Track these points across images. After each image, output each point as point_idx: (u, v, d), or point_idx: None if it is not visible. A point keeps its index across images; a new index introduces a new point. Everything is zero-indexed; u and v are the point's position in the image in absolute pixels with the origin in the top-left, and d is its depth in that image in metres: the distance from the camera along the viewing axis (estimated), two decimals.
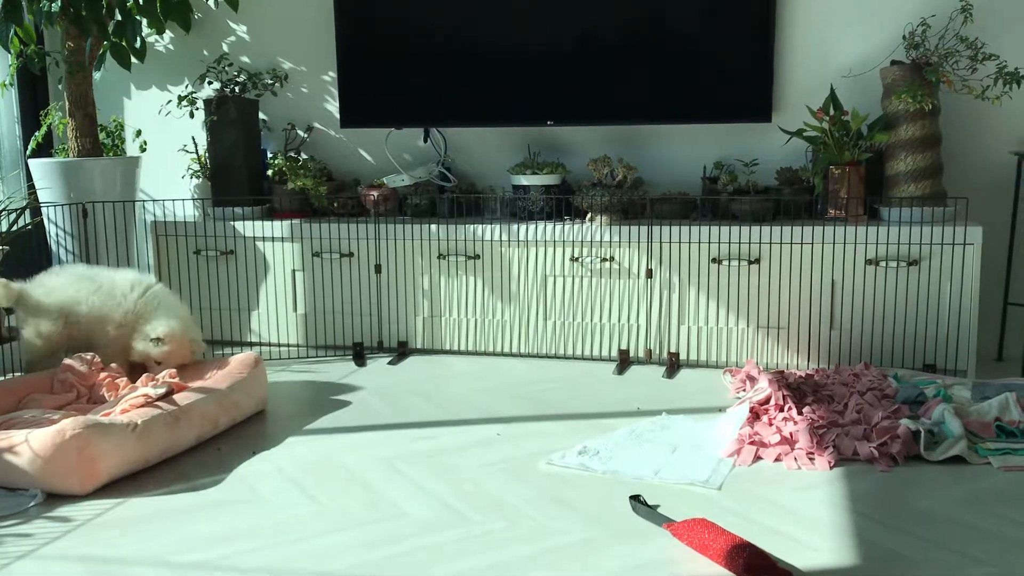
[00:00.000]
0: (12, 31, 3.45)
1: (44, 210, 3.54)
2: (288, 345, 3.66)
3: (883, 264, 3.11)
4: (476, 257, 3.45)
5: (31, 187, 3.70)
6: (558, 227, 3.36)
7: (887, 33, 3.40)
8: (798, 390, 2.78)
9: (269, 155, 3.90)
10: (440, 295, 3.50)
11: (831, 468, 2.32)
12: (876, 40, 3.42)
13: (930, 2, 3.33)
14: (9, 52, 3.56)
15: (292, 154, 3.90)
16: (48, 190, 3.52)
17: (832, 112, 3.22)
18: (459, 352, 3.52)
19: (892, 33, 3.38)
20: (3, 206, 3.39)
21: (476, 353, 3.50)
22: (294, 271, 3.62)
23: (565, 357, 3.42)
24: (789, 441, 2.43)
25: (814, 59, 3.49)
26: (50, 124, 3.82)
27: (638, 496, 2.11)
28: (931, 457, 2.34)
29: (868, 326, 3.15)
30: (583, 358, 3.40)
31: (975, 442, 2.42)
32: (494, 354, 3.49)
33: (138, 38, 3.58)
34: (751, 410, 2.60)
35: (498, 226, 3.41)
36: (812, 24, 3.48)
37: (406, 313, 3.54)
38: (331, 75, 3.93)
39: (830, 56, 3.47)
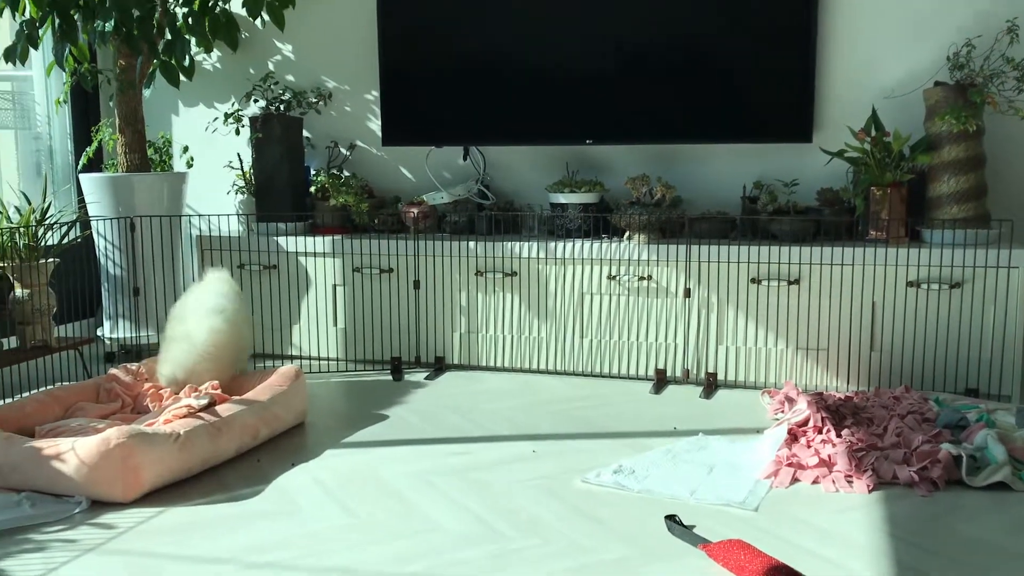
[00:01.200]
0: (68, 50, 3.55)
1: (93, 224, 3.63)
2: (328, 358, 3.71)
3: (925, 286, 3.07)
4: (513, 274, 3.47)
5: (81, 201, 3.79)
6: (595, 245, 3.37)
7: (931, 54, 3.37)
8: (837, 412, 2.75)
9: (312, 172, 3.96)
10: (477, 311, 3.52)
11: (870, 491, 2.29)
12: (919, 61, 3.39)
13: (976, 22, 3.30)
14: (64, 70, 3.67)
15: (335, 171, 3.96)
16: (97, 204, 3.60)
17: (874, 133, 3.20)
18: (495, 368, 3.53)
19: (936, 54, 3.36)
20: (54, 219, 3.48)
21: (512, 370, 3.52)
22: (335, 286, 3.66)
23: (601, 375, 3.42)
24: (827, 463, 2.40)
25: (856, 79, 3.47)
26: (101, 140, 3.92)
27: (674, 516, 2.10)
28: (973, 483, 2.31)
29: (909, 349, 3.11)
30: (620, 377, 3.40)
31: (1019, 469, 2.38)
32: (530, 371, 3.50)
33: (187, 57, 3.67)
34: (789, 431, 2.58)
35: (536, 243, 3.43)
36: (854, 44, 3.46)
37: (443, 329, 3.57)
38: (374, 94, 3.99)
39: (872, 77, 3.45)
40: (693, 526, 2.07)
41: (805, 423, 2.63)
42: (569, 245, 3.40)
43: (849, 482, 2.33)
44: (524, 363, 3.50)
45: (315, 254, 3.66)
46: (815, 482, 2.35)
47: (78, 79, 3.69)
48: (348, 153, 4.06)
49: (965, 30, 3.31)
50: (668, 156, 3.70)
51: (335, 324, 3.68)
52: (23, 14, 3.42)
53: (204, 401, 2.56)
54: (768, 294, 3.21)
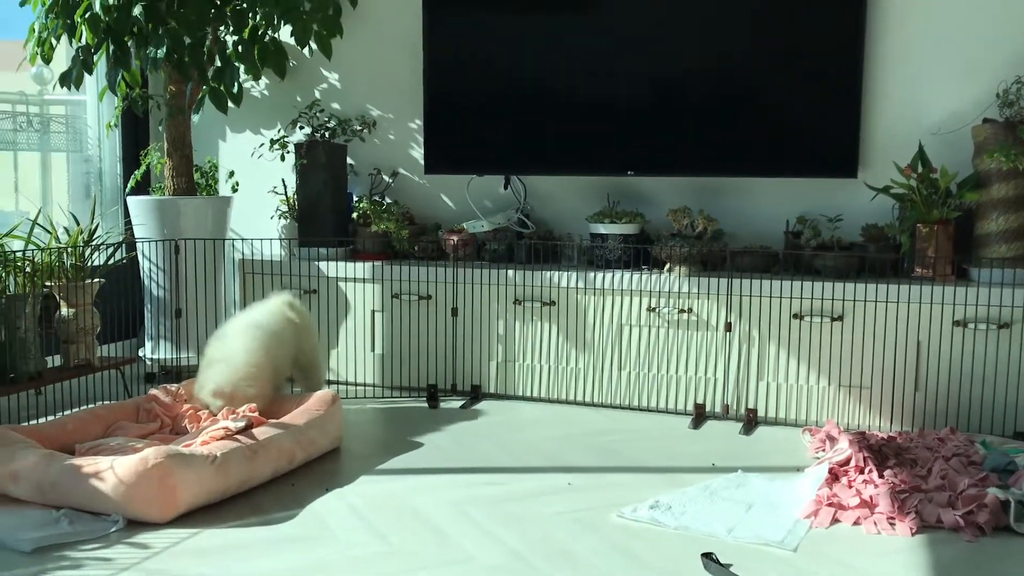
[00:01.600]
0: (120, 76, 3.63)
1: (139, 245, 3.69)
2: (365, 384, 3.71)
3: (972, 326, 3.01)
4: (552, 304, 3.46)
5: (128, 223, 3.86)
6: (635, 276, 3.35)
7: (979, 91, 3.33)
8: (879, 452, 2.69)
9: (355, 198, 4.00)
10: (515, 340, 3.52)
11: (913, 535, 2.24)
12: (968, 97, 3.35)
13: None
14: (116, 95, 3.75)
15: (377, 198, 3.99)
16: (143, 226, 3.66)
17: (920, 169, 3.16)
18: (532, 398, 3.52)
19: (985, 90, 3.31)
20: (101, 240, 3.54)
21: (549, 400, 3.50)
22: (374, 312, 3.68)
23: (639, 409, 3.39)
24: (869, 504, 2.35)
25: (903, 115, 3.44)
26: (149, 163, 3.99)
27: (711, 554, 2.06)
28: (1021, 529, 2.24)
29: (955, 389, 3.05)
30: (658, 411, 3.37)
31: None
32: (567, 402, 3.47)
33: (235, 83, 3.73)
34: (830, 471, 2.53)
35: (575, 273, 3.42)
36: (902, 80, 3.43)
37: (480, 357, 3.56)
38: (417, 123, 4.03)
39: (919, 113, 3.42)
40: (730, 565, 2.03)
41: (847, 462, 2.57)
42: (608, 276, 3.38)
43: (891, 524, 2.27)
44: (561, 394, 3.48)
45: (355, 279, 3.69)
46: (856, 523, 2.30)
47: (129, 104, 3.77)
48: (391, 180, 4.09)
49: (1014, 67, 3.27)
50: (710, 189, 3.68)
51: (373, 350, 3.70)
52: (80, 40, 3.51)
53: (241, 424, 2.57)
54: (811, 330, 3.17)
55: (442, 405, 3.46)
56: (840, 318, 3.13)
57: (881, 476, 2.48)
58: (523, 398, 3.53)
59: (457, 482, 2.59)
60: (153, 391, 2.96)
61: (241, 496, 2.45)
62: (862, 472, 2.52)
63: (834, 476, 2.52)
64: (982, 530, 2.24)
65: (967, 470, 2.55)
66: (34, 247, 3.24)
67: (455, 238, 3.66)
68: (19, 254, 3.16)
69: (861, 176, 3.43)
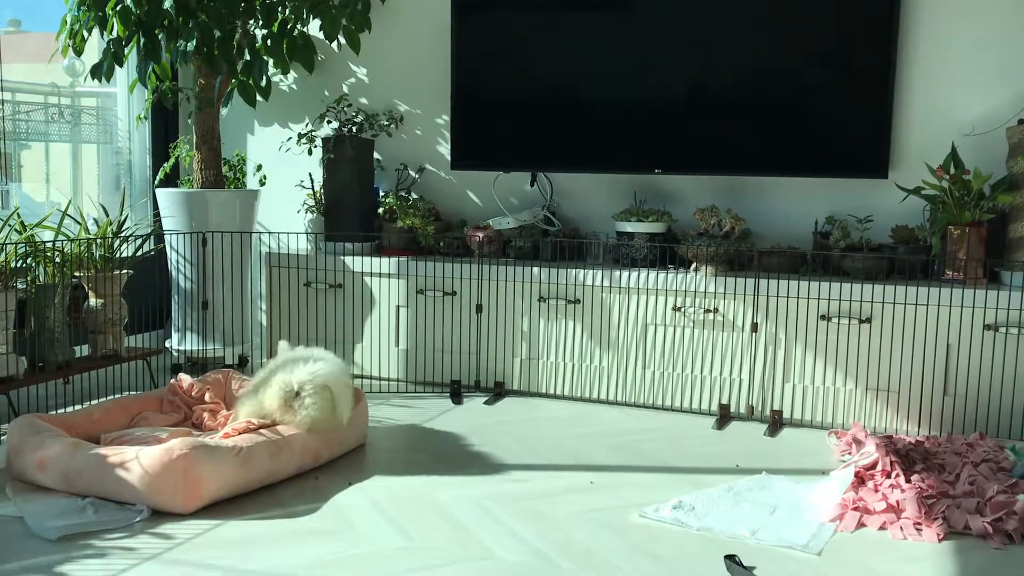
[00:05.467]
0: (151, 68, 3.66)
1: (167, 237, 3.72)
2: (389, 379, 3.72)
3: (1003, 330, 2.97)
4: (577, 302, 3.45)
5: (156, 215, 3.89)
6: (661, 276, 3.33)
7: (1014, 91, 3.28)
8: (907, 457, 2.66)
9: (381, 193, 4.00)
10: (539, 338, 3.51)
11: (940, 541, 2.21)
12: (1002, 98, 3.30)
13: None
14: (146, 88, 3.78)
15: (403, 193, 3.99)
16: (172, 218, 3.69)
17: (953, 170, 3.12)
18: (555, 396, 3.51)
19: (1019, 91, 3.26)
20: (130, 232, 3.57)
21: (572, 398, 3.49)
22: (398, 307, 3.68)
23: (663, 408, 3.37)
24: (895, 509, 2.32)
25: (935, 116, 3.39)
26: (178, 156, 4.02)
27: (733, 556, 2.05)
28: None
29: (984, 394, 3.00)
30: (681, 411, 3.35)
31: None
32: (590, 400, 3.46)
33: (264, 77, 3.75)
34: (856, 475, 2.50)
35: (600, 271, 3.41)
36: (934, 80, 3.38)
37: (504, 354, 3.56)
38: (444, 118, 4.02)
39: (952, 113, 3.37)
40: (753, 567, 2.02)
41: (873, 466, 2.54)
42: (634, 274, 3.37)
43: (918, 530, 2.24)
44: (584, 392, 3.47)
45: (380, 275, 3.69)
46: (882, 528, 2.27)
47: (159, 96, 3.80)
48: (417, 176, 4.10)
49: None
50: (738, 188, 3.65)
51: (397, 345, 3.70)
52: (111, 33, 3.54)
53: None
54: (838, 332, 3.14)
55: (466, 401, 3.45)
56: (868, 320, 3.10)
57: (908, 481, 2.45)
58: (547, 395, 3.52)
59: (479, 479, 2.59)
60: (173, 381, 2.97)
61: (264, 489, 2.46)
62: (889, 476, 2.49)
63: (860, 480, 2.50)
64: (1011, 537, 2.21)
65: (996, 476, 2.51)
66: (64, 237, 3.28)
67: (481, 235, 3.66)
68: (49, 244, 3.19)
69: (892, 177, 3.39)
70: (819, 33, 3.39)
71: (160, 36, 3.58)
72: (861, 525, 2.29)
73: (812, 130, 3.43)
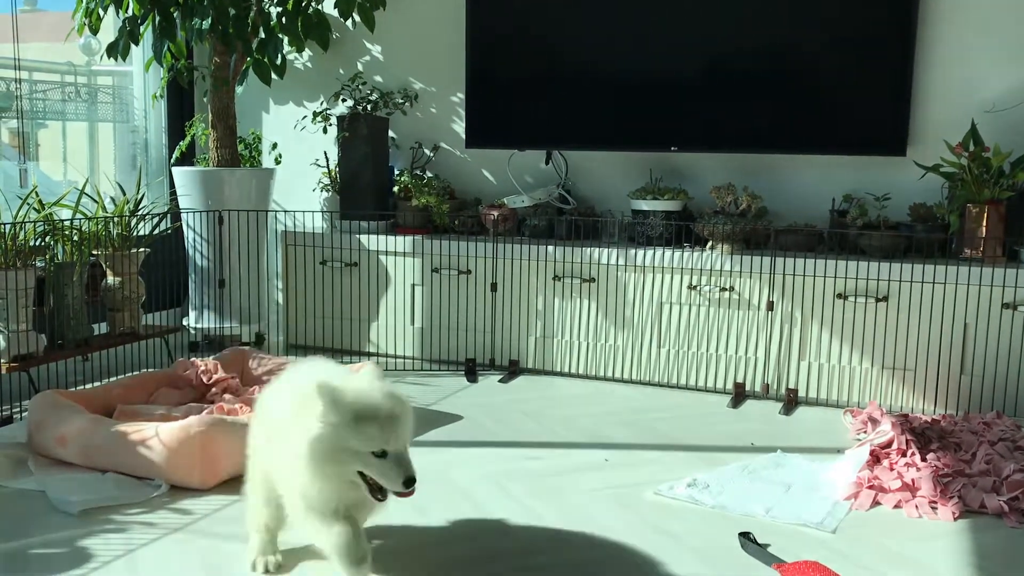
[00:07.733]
0: (166, 47, 3.66)
1: (183, 216, 3.73)
2: (404, 357, 3.74)
3: (1021, 309, 2.95)
4: (592, 280, 3.44)
5: (173, 193, 3.90)
6: (677, 254, 3.33)
7: None
8: (923, 435, 2.66)
9: (396, 172, 4.00)
10: (554, 316, 3.51)
11: (955, 519, 2.20)
12: (1022, 75, 3.26)
13: None
14: (162, 66, 3.78)
15: (418, 172, 3.99)
16: (188, 197, 3.70)
17: (972, 148, 3.09)
18: (570, 374, 3.51)
19: None
20: (147, 210, 3.59)
21: (587, 376, 3.49)
22: (413, 285, 3.69)
23: (678, 387, 3.37)
24: (911, 488, 2.32)
25: (955, 93, 3.35)
26: (194, 134, 4.03)
27: (748, 533, 2.05)
28: None
29: (1002, 373, 2.99)
30: (696, 389, 3.35)
31: None
32: (605, 379, 3.47)
33: (279, 55, 3.74)
34: (872, 453, 2.50)
35: (615, 250, 3.40)
36: (954, 56, 3.35)
37: (519, 332, 3.56)
38: (459, 96, 4.01)
39: (972, 90, 3.33)
40: (768, 545, 2.02)
41: (889, 445, 2.54)
42: (649, 253, 3.36)
43: (933, 508, 2.24)
44: (599, 370, 3.47)
45: (395, 253, 3.70)
46: (897, 506, 2.27)
47: (174, 75, 3.80)
48: (432, 154, 4.09)
49: None
50: (755, 166, 3.63)
51: (412, 323, 3.71)
52: (126, 11, 3.54)
53: None
54: (855, 310, 3.12)
55: (480, 379, 3.47)
56: (885, 299, 3.08)
57: (924, 459, 2.45)
58: (561, 374, 3.53)
59: (495, 456, 2.60)
60: (187, 359, 2.99)
61: None
62: (904, 455, 2.49)
63: (876, 458, 2.49)
64: None
65: (1013, 455, 2.50)
66: (81, 216, 3.30)
67: (495, 213, 3.66)
68: (67, 223, 3.21)
69: (910, 154, 3.36)
70: (838, 9, 3.35)
71: (175, 14, 3.58)
72: (876, 503, 2.29)
73: (830, 107, 3.40)
